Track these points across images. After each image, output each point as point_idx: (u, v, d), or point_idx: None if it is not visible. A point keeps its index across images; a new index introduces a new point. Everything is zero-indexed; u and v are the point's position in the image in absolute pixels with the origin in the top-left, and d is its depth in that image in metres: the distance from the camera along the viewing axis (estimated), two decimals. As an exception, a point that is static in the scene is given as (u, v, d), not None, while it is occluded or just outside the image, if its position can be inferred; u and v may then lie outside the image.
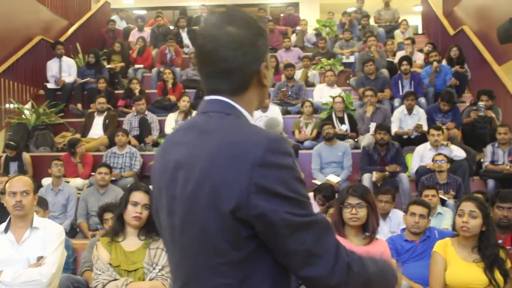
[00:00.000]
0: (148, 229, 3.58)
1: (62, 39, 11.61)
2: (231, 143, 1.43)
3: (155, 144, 8.76)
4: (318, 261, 1.43)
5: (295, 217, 1.40)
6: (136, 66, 11.58)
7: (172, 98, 9.89)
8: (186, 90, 10.33)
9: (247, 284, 1.45)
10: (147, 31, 13.18)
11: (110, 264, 3.50)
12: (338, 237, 3.48)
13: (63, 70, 10.73)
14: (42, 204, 5.41)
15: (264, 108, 8.66)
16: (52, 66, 10.74)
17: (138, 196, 3.56)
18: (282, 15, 15.22)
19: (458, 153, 7.57)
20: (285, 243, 1.41)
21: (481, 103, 8.27)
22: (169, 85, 10.09)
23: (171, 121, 9.00)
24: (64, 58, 10.84)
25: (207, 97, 1.57)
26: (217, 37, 1.50)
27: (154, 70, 11.33)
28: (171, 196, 1.52)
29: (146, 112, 9.21)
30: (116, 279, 3.45)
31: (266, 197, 1.38)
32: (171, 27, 13.66)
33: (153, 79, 11.15)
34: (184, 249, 1.51)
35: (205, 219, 1.43)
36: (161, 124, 9.20)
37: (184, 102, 8.97)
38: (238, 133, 1.47)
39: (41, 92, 10.78)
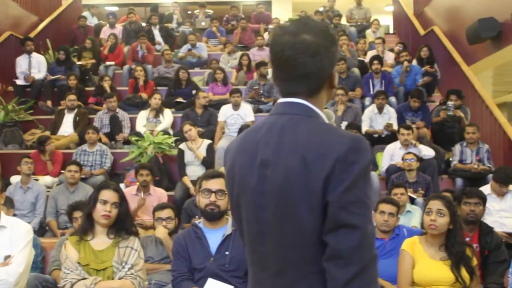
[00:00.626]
0: (118, 228, 3.56)
1: (32, 35, 11.43)
2: (319, 143, 1.59)
3: (126, 141, 8.70)
4: (342, 264, 1.54)
5: (346, 212, 1.55)
6: (107, 63, 11.46)
7: (144, 95, 9.83)
8: (158, 88, 10.27)
9: None
10: (118, 28, 13.07)
11: (78, 263, 3.47)
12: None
13: (33, 66, 10.57)
14: (7, 202, 5.34)
15: (236, 106, 8.65)
16: (21, 62, 10.57)
17: (107, 195, 3.54)
18: (254, 13, 15.23)
19: (427, 152, 7.66)
20: (326, 234, 1.56)
21: (450, 103, 8.36)
22: (141, 83, 10.03)
23: (142, 119, 8.95)
24: (34, 54, 10.68)
25: (285, 99, 1.71)
26: (296, 45, 1.65)
27: (126, 67, 11.24)
28: (259, 192, 1.65)
29: (117, 110, 9.14)
30: (84, 278, 3.43)
31: (348, 191, 1.54)
32: (143, 24, 13.57)
33: (125, 76, 11.06)
34: (277, 240, 1.63)
35: (299, 212, 1.58)
36: (132, 121, 9.13)
37: (156, 100, 8.92)
38: (324, 134, 1.62)
39: (10, 88, 10.59)
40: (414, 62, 10.51)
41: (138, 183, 6.80)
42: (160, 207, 5.16)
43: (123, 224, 3.57)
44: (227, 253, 3.51)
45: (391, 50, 11.50)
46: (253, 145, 1.70)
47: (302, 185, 1.57)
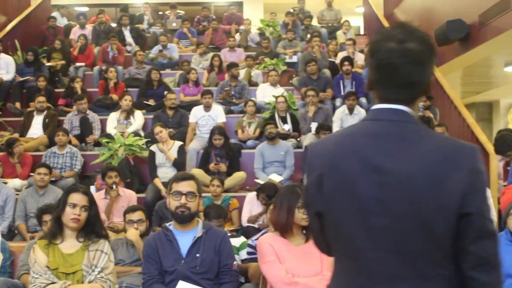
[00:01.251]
0: (87, 231, 3.53)
1: (0, 35, 11.28)
2: (445, 152, 1.63)
3: (97, 143, 8.63)
4: (489, 269, 1.63)
5: (486, 220, 1.63)
6: (77, 64, 11.38)
7: (114, 97, 9.78)
8: (128, 89, 10.22)
9: (457, 272, 1.64)
10: (88, 29, 12.98)
11: (47, 267, 3.44)
12: (278, 239, 3.51)
13: (1, 67, 10.42)
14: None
15: (207, 108, 8.65)
16: (-11, 64, 10.44)
17: (77, 198, 3.51)
18: (225, 14, 15.23)
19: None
20: (470, 244, 1.61)
21: (419, 104, 8.46)
22: (111, 84, 9.97)
23: (113, 120, 8.89)
24: (2, 55, 10.53)
25: (388, 106, 1.71)
26: (405, 53, 1.66)
27: (96, 68, 11.17)
28: (374, 199, 1.63)
29: (87, 111, 9.06)
30: (53, 282, 3.39)
31: (478, 197, 1.61)
32: (114, 25, 13.48)
33: (95, 78, 10.99)
34: (397, 246, 1.63)
35: (428, 220, 1.60)
36: (103, 123, 9.07)
37: (126, 101, 8.87)
38: (448, 143, 1.66)
39: (-22, 90, 10.44)
40: (384, 63, 10.60)
41: (106, 187, 6.76)
42: (131, 209, 5.14)
43: (92, 227, 3.55)
44: (197, 255, 3.52)
45: (362, 51, 11.59)
46: (360, 150, 1.68)
47: (433, 195, 1.59)
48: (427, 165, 1.60)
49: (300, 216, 3.50)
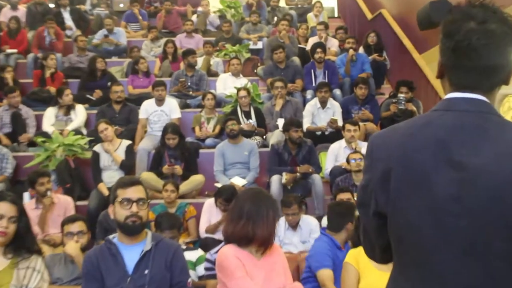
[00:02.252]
0: (16, 246, 3.47)
1: None
2: None
3: (31, 143, 8.51)
4: None
5: None
6: (8, 51, 11.23)
7: (52, 89, 9.66)
8: (68, 80, 10.11)
9: None
10: (21, 10, 12.82)
11: (-30, 288, 3.38)
12: (241, 251, 3.51)
13: None
14: None
15: (160, 101, 8.60)
16: None
17: (3, 208, 3.44)
18: (181, -7, 15.19)
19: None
20: None
21: (401, 95, 8.53)
22: (48, 74, 9.84)
23: (50, 116, 8.78)
24: None
25: (464, 95, 1.74)
26: (486, 35, 1.68)
27: (30, 56, 11.05)
28: (451, 197, 1.64)
29: (20, 106, 8.93)
30: (-23, 307, 3.34)
31: None
32: (51, 6, 13.32)
33: (29, 67, 10.87)
34: (476, 250, 1.64)
35: (505, 220, 1.61)
36: (38, 119, 8.94)
37: (68, 97, 8.75)
38: None
39: None
40: (361, 49, 10.69)
41: (36, 194, 6.67)
42: (70, 219, 5.06)
43: (22, 242, 3.49)
44: (146, 271, 3.48)
45: (335, 36, 11.66)
46: (435, 142, 1.70)
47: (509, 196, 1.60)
48: (510, 160, 1.63)
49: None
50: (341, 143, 7.89)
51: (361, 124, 8.21)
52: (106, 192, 7.22)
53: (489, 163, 1.63)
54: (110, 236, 3.65)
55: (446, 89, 1.80)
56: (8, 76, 9.70)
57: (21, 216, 3.50)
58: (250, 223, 3.49)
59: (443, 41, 1.77)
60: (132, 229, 3.50)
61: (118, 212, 3.50)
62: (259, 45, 11.68)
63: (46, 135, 8.25)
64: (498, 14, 1.72)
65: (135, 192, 3.51)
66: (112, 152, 7.57)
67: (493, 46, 1.68)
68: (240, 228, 3.52)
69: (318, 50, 9.79)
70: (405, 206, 1.72)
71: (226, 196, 6.54)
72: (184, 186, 7.38)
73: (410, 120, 1.85)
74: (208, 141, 8.59)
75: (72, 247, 4.77)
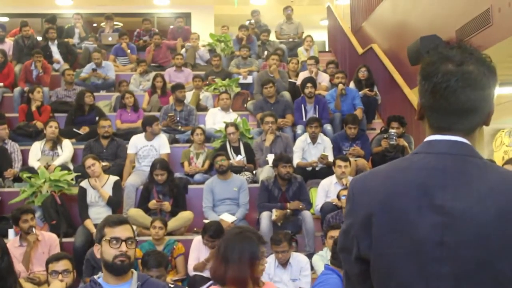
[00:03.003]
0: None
1: None
2: None
3: (17, 178, 8.48)
4: None
5: None
6: (-5, 84, 11.24)
7: (39, 124, 9.64)
8: (55, 114, 10.11)
9: None
10: (8, 43, 12.85)
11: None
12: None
13: None
14: None
15: (152, 135, 8.60)
16: None
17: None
18: (171, 27, 15.27)
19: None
20: None
21: (392, 131, 8.55)
22: (33, 108, 9.83)
23: (36, 151, 8.77)
24: None
25: (443, 137, 1.74)
26: (464, 77, 1.70)
27: (17, 89, 11.05)
28: (434, 242, 1.64)
29: (6, 140, 8.93)
30: None
31: None
32: (39, 39, 13.37)
33: (15, 101, 10.87)
34: None
35: (498, 268, 1.61)
36: (24, 154, 8.94)
37: (52, 129, 8.75)
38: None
39: None
40: (352, 84, 10.77)
41: (20, 231, 6.63)
42: (55, 258, 5.05)
43: (4, 282, 3.46)
44: (132, 312, 3.46)
45: (325, 71, 11.73)
46: (417, 186, 1.69)
47: (502, 237, 1.61)
48: (493, 204, 1.63)
49: (261, 268, 3.49)
50: (332, 179, 7.90)
51: (352, 160, 8.23)
52: (93, 229, 7.18)
53: (471, 208, 1.63)
54: (95, 276, 3.63)
55: (426, 131, 1.81)
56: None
57: (3, 256, 3.49)
58: (223, 264, 3.47)
59: (422, 83, 1.78)
60: (120, 269, 3.48)
61: (105, 251, 3.48)
62: (249, 79, 11.73)
63: (32, 170, 8.23)
64: (475, 55, 1.75)
65: (123, 231, 3.50)
66: (99, 188, 7.54)
67: (472, 88, 1.70)
68: (216, 268, 3.50)
69: (308, 85, 9.83)
70: (387, 252, 1.71)
71: (211, 232, 6.54)
72: (173, 223, 7.36)
73: (391, 163, 1.84)
74: (197, 177, 8.58)
75: (57, 287, 4.75)
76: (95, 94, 10.56)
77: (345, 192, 7.16)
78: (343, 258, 1.88)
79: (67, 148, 8.88)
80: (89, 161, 7.58)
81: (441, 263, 1.64)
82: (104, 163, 8.21)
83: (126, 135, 9.24)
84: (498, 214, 1.62)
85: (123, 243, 3.45)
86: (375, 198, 1.74)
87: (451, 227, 1.64)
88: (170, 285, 5.34)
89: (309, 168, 8.61)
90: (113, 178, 7.80)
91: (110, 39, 13.74)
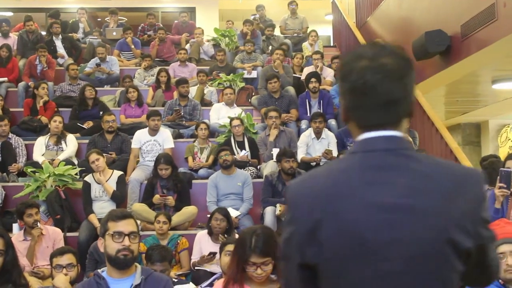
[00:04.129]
0: (3, 280, 3.48)
1: None
2: (457, 182, 1.69)
3: (21, 173, 8.52)
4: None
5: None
6: (-1, 79, 11.27)
7: (43, 119, 9.67)
8: (60, 109, 10.15)
9: None
10: (13, 38, 12.87)
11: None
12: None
13: None
14: None
15: (154, 131, 8.62)
16: None
17: (-10, 241, 3.47)
18: (175, 21, 15.27)
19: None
20: (490, 261, 1.78)
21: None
22: (40, 103, 9.86)
23: (41, 146, 8.79)
24: None
25: (377, 133, 1.74)
26: (379, 69, 1.71)
27: (21, 84, 11.07)
28: (383, 241, 1.64)
29: (10, 135, 8.96)
30: None
31: (484, 227, 1.70)
32: (43, 33, 13.38)
33: (20, 95, 10.88)
34: None
35: (448, 260, 1.65)
36: (29, 149, 8.97)
37: (56, 123, 8.78)
38: (453, 170, 1.74)
39: None
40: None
41: (24, 226, 6.66)
42: (59, 252, 5.07)
43: (9, 276, 3.49)
44: (135, 306, 3.48)
45: (330, 65, 11.72)
46: (360, 187, 1.68)
47: (448, 230, 1.64)
48: (443, 199, 1.65)
49: (251, 273, 3.46)
50: (336, 174, 7.88)
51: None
52: (97, 223, 7.21)
53: (417, 202, 1.65)
54: (99, 270, 3.65)
55: (355, 132, 1.79)
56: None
57: (8, 249, 3.51)
58: (236, 268, 3.49)
59: (340, 85, 1.79)
60: (123, 263, 3.50)
61: (109, 245, 3.50)
62: (254, 74, 11.73)
63: (36, 165, 8.26)
64: (387, 47, 1.76)
65: (127, 225, 3.51)
66: (103, 183, 7.57)
67: (388, 79, 1.70)
68: (230, 271, 3.53)
69: (313, 79, 9.85)
70: (337, 256, 1.68)
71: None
72: (177, 218, 7.38)
73: (329, 165, 1.83)
74: (201, 172, 8.60)
75: (61, 280, 4.77)
76: (99, 88, 10.59)
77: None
78: (284, 266, 1.84)
79: (71, 143, 8.90)
80: (93, 156, 7.60)
81: (392, 261, 1.64)
82: (109, 154, 8.26)
83: (131, 129, 9.27)
84: (443, 205, 1.65)
85: (126, 238, 3.47)
86: (318, 203, 1.71)
87: (401, 225, 1.64)
88: (173, 279, 5.37)
89: (314, 163, 8.60)
90: (117, 173, 7.82)
91: (114, 33, 13.75)
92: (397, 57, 1.73)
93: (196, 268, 6.63)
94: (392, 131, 1.72)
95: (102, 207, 7.47)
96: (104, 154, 7.87)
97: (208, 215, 7.36)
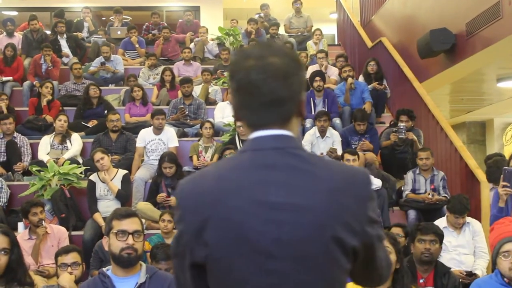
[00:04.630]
0: (8, 279, 3.48)
1: None
2: (343, 181, 1.70)
3: (26, 172, 8.53)
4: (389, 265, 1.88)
5: (381, 233, 1.79)
6: (4, 78, 11.28)
7: (48, 118, 9.68)
8: (65, 108, 10.16)
9: None
10: (17, 37, 12.89)
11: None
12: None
13: None
14: None
15: (158, 130, 8.62)
16: None
17: (-5, 239, 3.47)
18: (180, 20, 15.27)
19: (372, 181, 7.73)
20: (379, 261, 1.80)
21: (401, 124, 8.53)
22: (44, 102, 9.87)
23: (46, 145, 8.80)
24: None
25: (265, 133, 1.73)
26: (264, 69, 1.70)
27: (26, 83, 11.09)
28: (270, 239, 1.64)
29: (15, 134, 8.97)
30: None
31: (372, 226, 1.72)
32: (48, 32, 13.39)
33: (25, 94, 10.90)
34: None
35: (333, 258, 1.65)
36: (34, 148, 8.98)
37: (61, 122, 8.79)
38: (339, 169, 1.74)
39: None
40: (361, 78, 10.75)
41: (29, 225, 6.67)
42: (64, 250, 5.07)
43: (14, 274, 3.49)
44: (140, 304, 3.48)
45: (335, 64, 11.71)
46: (248, 186, 1.68)
47: (334, 229, 1.64)
48: (328, 197, 1.65)
49: None
50: (341, 173, 7.87)
51: (360, 153, 8.21)
52: (101, 222, 7.22)
53: (306, 202, 1.64)
54: (104, 268, 3.65)
55: (247, 131, 1.79)
56: (2, 104, 9.73)
57: (13, 248, 3.51)
58: None
59: (229, 84, 1.79)
60: (127, 262, 3.50)
61: (113, 244, 3.51)
62: (258, 73, 11.70)
63: (41, 164, 8.27)
64: (274, 47, 1.77)
65: (131, 224, 3.51)
66: (108, 182, 7.57)
67: (273, 78, 1.69)
68: None
69: (317, 78, 9.82)
70: (226, 255, 1.68)
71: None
72: (181, 216, 7.36)
73: (218, 164, 1.82)
74: (206, 171, 8.56)
75: (66, 279, 4.76)
76: (104, 88, 10.59)
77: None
78: (175, 264, 1.84)
79: (76, 142, 8.91)
80: (98, 155, 7.60)
81: (279, 260, 1.64)
82: (114, 157, 8.24)
83: (135, 128, 9.26)
84: (328, 204, 1.65)
85: (130, 236, 3.47)
86: (207, 202, 1.71)
87: (287, 224, 1.64)
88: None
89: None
90: (122, 172, 7.82)
91: (119, 32, 13.76)
92: (284, 57, 1.73)
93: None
94: (280, 130, 1.72)
95: (107, 206, 7.47)
96: (108, 155, 7.88)
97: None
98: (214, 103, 10.73)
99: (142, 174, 8.21)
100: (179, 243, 1.77)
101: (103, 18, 17.83)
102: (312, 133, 8.87)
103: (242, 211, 1.66)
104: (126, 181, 7.75)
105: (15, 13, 17.84)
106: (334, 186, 1.67)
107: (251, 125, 1.76)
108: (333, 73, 11.32)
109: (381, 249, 1.79)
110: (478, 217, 7.20)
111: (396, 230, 6.13)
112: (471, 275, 6.14)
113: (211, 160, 8.76)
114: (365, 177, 1.74)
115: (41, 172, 7.80)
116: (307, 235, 1.63)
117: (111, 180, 7.61)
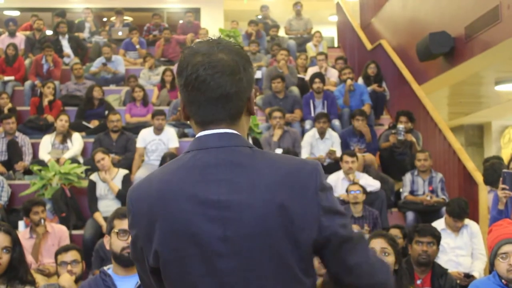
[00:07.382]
0: (10, 277, 3.47)
1: None
2: (286, 174, 1.68)
3: (27, 171, 8.53)
4: (380, 269, 1.78)
5: (349, 228, 1.73)
6: (6, 78, 11.28)
7: (49, 117, 9.68)
8: (66, 108, 10.16)
9: None
10: (19, 37, 12.89)
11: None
12: None
13: None
14: None
15: (158, 130, 8.63)
16: None
17: (-3, 238, 3.47)
18: (181, 22, 15.26)
19: (371, 183, 7.78)
20: (352, 256, 1.72)
21: (400, 126, 8.54)
22: (45, 102, 9.88)
23: (47, 144, 8.80)
24: None
25: (211, 131, 1.73)
26: (212, 64, 1.70)
27: (27, 83, 11.08)
28: (217, 238, 1.63)
29: (17, 133, 8.98)
30: None
31: (331, 216, 1.68)
32: (49, 32, 13.40)
33: (26, 94, 10.90)
34: None
35: (281, 252, 1.64)
36: (35, 147, 8.99)
37: (62, 122, 8.79)
38: (284, 163, 1.72)
39: None
40: (360, 80, 10.76)
41: (30, 224, 6.66)
42: (64, 249, 5.07)
43: (16, 272, 3.49)
44: (141, 303, 3.48)
45: (334, 66, 11.73)
46: (190, 185, 1.67)
47: (282, 224, 1.62)
48: (270, 192, 1.64)
49: None
50: (340, 174, 7.89)
51: (359, 155, 8.22)
52: (102, 222, 7.23)
53: (247, 199, 1.64)
54: (105, 267, 3.65)
55: (195, 130, 1.79)
56: (3, 103, 9.73)
57: (15, 246, 3.51)
58: None
59: (177, 80, 1.78)
60: (128, 261, 3.49)
61: (114, 243, 3.51)
62: (258, 74, 11.71)
63: (42, 163, 8.27)
64: (223, 44, 1.76)
65: (132, 223, 3.51)
66: (109, 181, 7.57)
67: (221, 74, 1.70)
68: None
69: (316, 80, 9.82)
70: (174, 257, 1.68)
71: None
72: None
73: (164, 167, 1.81)
74: (206, 171, 8.56)
75: (66, 279, 4.76)
76: (105, 88, 10.58)
77: (353, 188, 7.20)
78: (137, 268, 1.85)
79: (77, 142, 8.90)
80: (99, 155, 7.60)
81: (228, 258, 1.64)
82: (114, 157, 8.24)
83: (136, 129, 9.26)
84: (272, 200, 1.63)
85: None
86: (153, 205, 1.71)
87: (232, 221, 1.64)
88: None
89: (318, 163, 8.57)
90: (123, 172, 7.82)
91: (120, 33, 13.76)
92: (232, 53, 1.74)
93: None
94: (226, 129, 1.73)
95: (107, 205, 7.48)
96: (109, 155, 7.88)
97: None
98: (213, 103, 10.69)
99: (143, 174, 8.20)
100: (136, 248, 1.78)
101: (104, 19, 17.80)
102: (311, 135, 8.88)
103: (186, 212, 1.66)
104: (127, 181, 7.75)
105: (17, 13, 17.83)
106: (275, 180, 1.65)
107: (199, 122, 1.75)
108: (332, 75, 11.33)
109: (360, 250, 1.74)
110: (475, 219, 7.22)
111: (394, 232, 6.13)
112: (468, 276, 6.15)
113: (211, 160, 8.74)
114: (312, 168, 1.71)
115: (42, 172, 7.79)
116: (251, 232, 1.62)
117: (111, 180, 7.61)
